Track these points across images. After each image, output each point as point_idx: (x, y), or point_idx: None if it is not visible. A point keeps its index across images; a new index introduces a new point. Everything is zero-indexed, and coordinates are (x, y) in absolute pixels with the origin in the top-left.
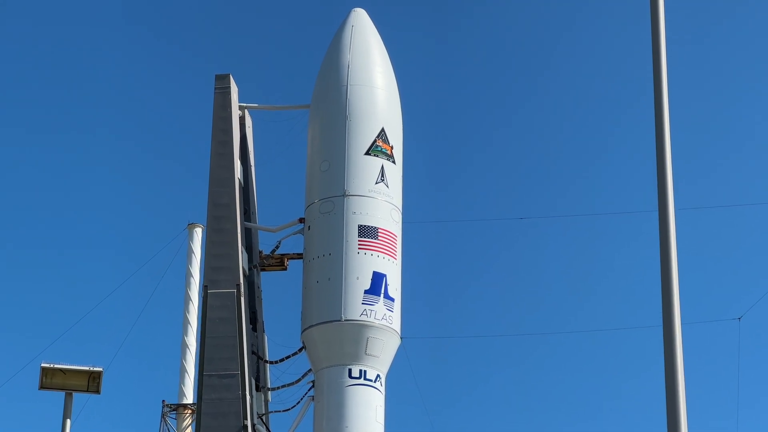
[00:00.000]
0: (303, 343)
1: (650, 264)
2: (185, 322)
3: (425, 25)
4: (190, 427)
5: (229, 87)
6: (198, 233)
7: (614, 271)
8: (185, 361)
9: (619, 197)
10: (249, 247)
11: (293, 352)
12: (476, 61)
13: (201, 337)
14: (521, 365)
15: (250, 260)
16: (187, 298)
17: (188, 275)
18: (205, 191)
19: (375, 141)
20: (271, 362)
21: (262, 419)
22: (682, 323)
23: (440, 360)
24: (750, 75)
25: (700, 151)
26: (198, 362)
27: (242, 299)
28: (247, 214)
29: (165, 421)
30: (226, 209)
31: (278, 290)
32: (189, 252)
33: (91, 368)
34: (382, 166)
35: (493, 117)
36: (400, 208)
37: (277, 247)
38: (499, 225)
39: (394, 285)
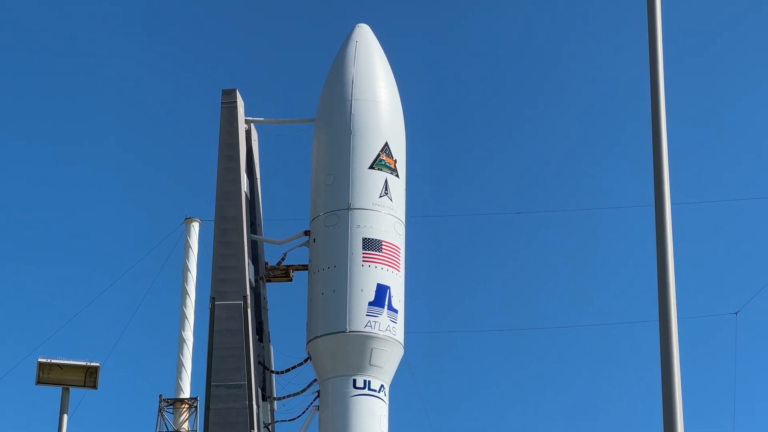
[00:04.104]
0: (308, 353)
1: (647, 259)
2: (182, 317)
3: (427, 38)
4: (187, 421)
5: (236, 102)
6: (195, 228)
7: (611, 265)
8: (182, 355)
9: (616, 192)
10: (255, 258)
11: (299, 362)
12: (475, 64)
13: (208, 348)
14: (520, 362)
15: (256, 272)
16: (184, 293)
17: (185, 269)
18: (204, 187)
19: (379, 155)
20: (277, 372)
21: (268, 428)
22: (679, 318)
23: (442, 369)
24: (747, 70)
25: (697, 145)
26: (206, 373)
27: (249, 311)
28: (253, 226)
29: (162, 415)
30: (232, 222)
31: (284, 301)
32: (186, 246)
33: (88, 363)
34: (386, 180)
35: (493, 116)
36: (404, 220)
37: (282, 259)
38: (496, 219)
39: (397, 297)
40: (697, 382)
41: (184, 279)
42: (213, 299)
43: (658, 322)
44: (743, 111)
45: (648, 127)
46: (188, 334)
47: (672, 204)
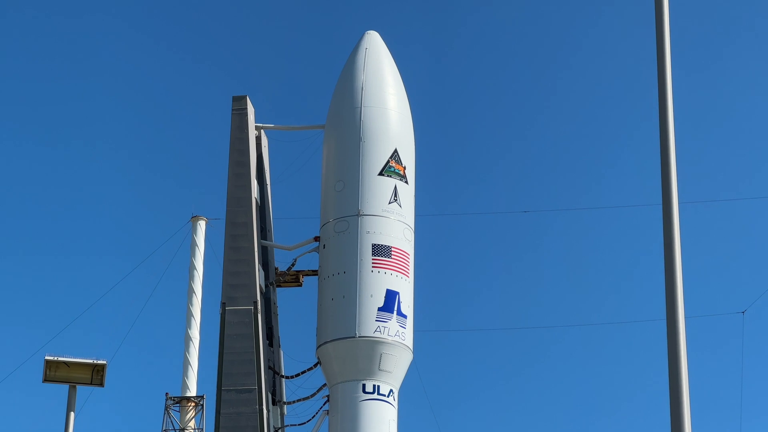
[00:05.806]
0: (318, 358)
1: (654, 257)
2: (188, 315)
3: (435, 44)
4: (193, 419)
5: (246, 108)
6: (202, 226)
7: (618, 264)
8: (188, 353)
9: (623, 191)
10: (265, 264)
11: (309, 367)
12: (482, 67)
13: (219, 352)
14: (526, 361)
15: (266, 277)
16: (190, 291)
17: (192, 268)
18: (210, 187)
19: (388, 162)
20: (287, 377)
21: None
22: (686, 317)
23: (451, 370)
24: (754, 70)
25: (704, 144)
26: (217, 377)
27: (259, 316)
28: (263, 232)
29: (168, 413)
30: (243, 228)
31: (294, 306)
32: (193, 245)
33: (95, 361)
34: (395, 187)
35: (500, 117)
36: (413, 227)
37: (293, 264)
38: (504, 218)
39: (406, 302)
40: (704, 380)
41: (190, 277)
42: (224, 304)
43: (665, 320)
44: (751, 110)
45: (655, 126)
46: (194, 333)
47: (679, 203)
